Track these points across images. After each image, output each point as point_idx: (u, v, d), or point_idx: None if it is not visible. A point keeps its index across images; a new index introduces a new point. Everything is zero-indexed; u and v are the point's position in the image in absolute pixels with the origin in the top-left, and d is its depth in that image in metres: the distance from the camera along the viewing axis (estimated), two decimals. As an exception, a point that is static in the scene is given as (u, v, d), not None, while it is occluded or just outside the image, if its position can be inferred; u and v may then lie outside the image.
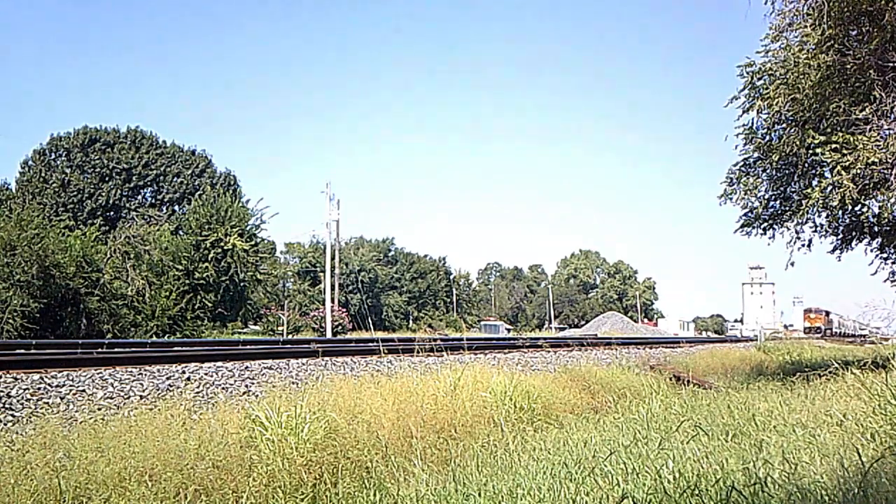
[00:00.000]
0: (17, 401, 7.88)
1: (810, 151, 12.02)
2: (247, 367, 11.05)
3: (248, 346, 16.27)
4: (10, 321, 22.83)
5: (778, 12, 11.94)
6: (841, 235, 14.83)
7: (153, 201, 56.85)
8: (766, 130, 13.69)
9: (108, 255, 29.95)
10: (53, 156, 55.28)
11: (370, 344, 15.76)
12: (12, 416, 7.51)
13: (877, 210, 12.31)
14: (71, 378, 8.90)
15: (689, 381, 13.81)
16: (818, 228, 14.27)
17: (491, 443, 6.87)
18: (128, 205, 55.07)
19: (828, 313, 70.75)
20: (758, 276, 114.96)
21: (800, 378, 10.24)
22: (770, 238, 14.58)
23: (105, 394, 8.65)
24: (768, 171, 13.89)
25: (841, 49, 11.04)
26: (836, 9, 10.71)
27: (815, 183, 12.56)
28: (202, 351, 12.79)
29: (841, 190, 10.90)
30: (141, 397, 8.66)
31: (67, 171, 53.80)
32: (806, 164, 13.05)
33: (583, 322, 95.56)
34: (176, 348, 14.20)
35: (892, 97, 10.64)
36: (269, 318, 48.40)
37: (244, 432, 6.50)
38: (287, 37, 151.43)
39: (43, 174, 53.35)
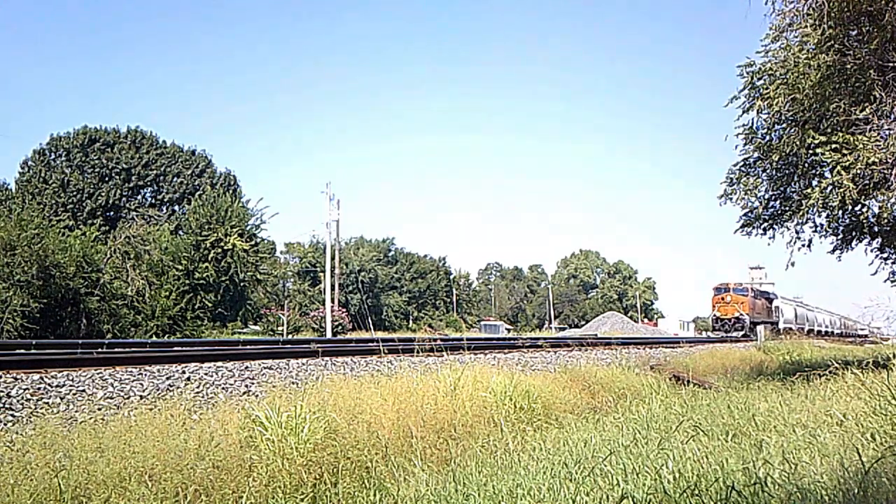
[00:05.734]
0: (17, 401, 7.88)
1: (810, 151, 12.03)
2: (247, 367, 11.04)
3: (248, 346, 16.25)
4: (10, 321, 22.85)
5: (778, 12, 11.95)
6: (841, 235, 14.84)
7: (153, 201, 56.92)
8: (766, 130, 13.70)
9: (108, 255, 29.97)
10: (53, 156, 55.31)
11: (370, 344, 15.74)
12: (12, 416, 7.50)
13: (877, 210, 12.31)
14: (71, 378, 8.89)
15: (689, 381, 13.81)
16: (818, 228, 14.28)
17: (491, 443, 6.87)
18: (128, 205, 55.10)
19: (769, 298, 45.76)
20: (758, 276, 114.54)
21: (800, 378, 10.25)
22: (770, 238, 14.60)
23: (105, 394, 8.64)
24: (768, 171, 13.89)
25: (841, 49, 11.04)
26: (836, 9, 10.71)
27: (815, 183, 12.56)
28: (202, 351, 12.78)
29: (841, 190, 10.91)
30: (141, 397, 8.66)
31: (67, 171, 53.81)
32: (806, 164, 13.05)
33: (583, 322, 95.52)
34: (176, 348, 14.19)
35: (892, 97, 10.64)
36: (269, 318, 48.37)
37: (244, 432, 6.49)
38: (287, 36, 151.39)
39: (43, 174, 53.37)
